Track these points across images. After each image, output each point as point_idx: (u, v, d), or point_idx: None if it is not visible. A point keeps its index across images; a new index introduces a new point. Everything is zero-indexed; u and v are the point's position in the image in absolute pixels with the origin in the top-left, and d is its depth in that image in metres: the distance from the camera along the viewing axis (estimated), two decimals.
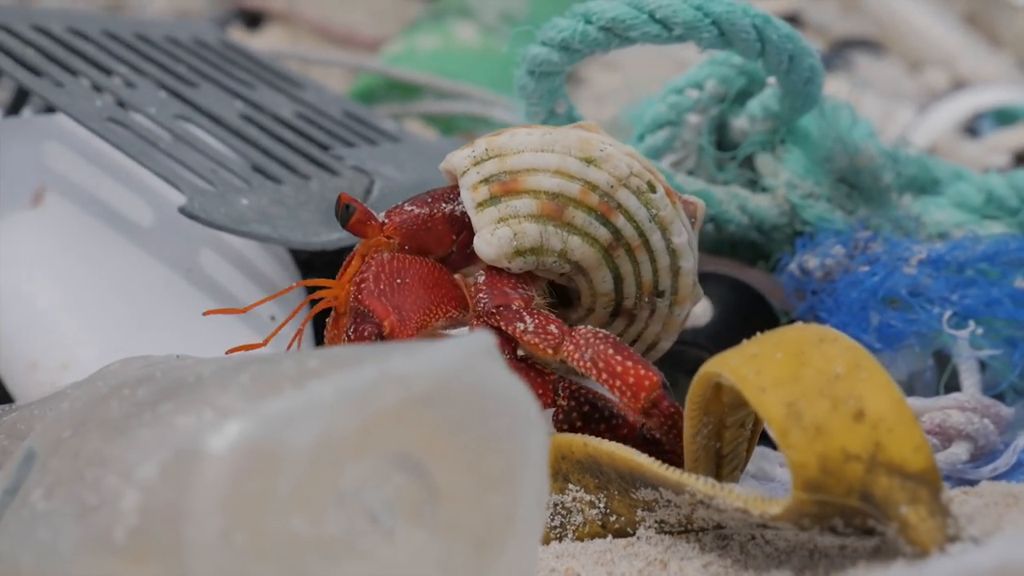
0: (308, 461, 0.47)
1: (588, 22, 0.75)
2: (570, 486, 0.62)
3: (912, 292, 0.75)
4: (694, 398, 0.57)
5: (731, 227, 0.79)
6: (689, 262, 0.67)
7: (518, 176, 0.65)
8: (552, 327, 0.61)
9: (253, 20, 1.70)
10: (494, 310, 0.62)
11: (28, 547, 0.50)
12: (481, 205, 0.65)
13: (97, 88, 0.84)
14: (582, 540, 0.62)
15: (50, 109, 0.89)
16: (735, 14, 0.73)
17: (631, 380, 0.60)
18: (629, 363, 0.60)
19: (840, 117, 0.83)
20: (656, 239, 0.66)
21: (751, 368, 0.54)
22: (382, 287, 0.63)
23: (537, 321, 0.61)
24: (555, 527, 0.63)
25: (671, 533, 0.61)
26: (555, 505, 0.62)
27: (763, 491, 0.56)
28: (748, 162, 0.84)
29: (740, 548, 0.59)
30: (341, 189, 0.88)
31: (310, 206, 0.83)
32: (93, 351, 0.79)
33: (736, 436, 0.61)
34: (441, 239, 0.67)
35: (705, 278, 0.73)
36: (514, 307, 0.62)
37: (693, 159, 0.83)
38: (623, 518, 0.61)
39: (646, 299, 0.67)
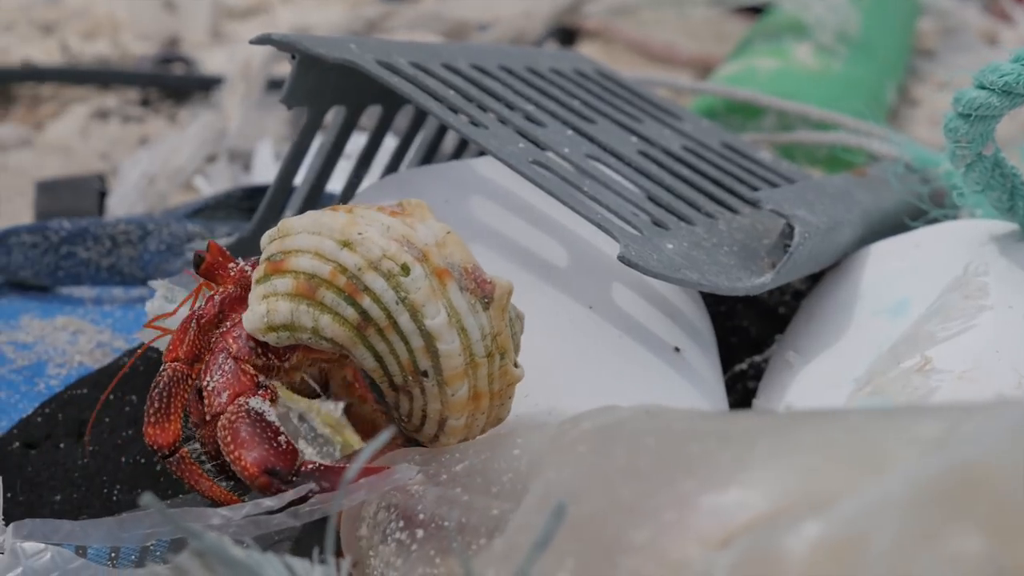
0: (887, 564, 0.44)
1: None
2: None
3: None
4: None
5: None
6: (450, 344, 0.65)
7: (287, 256, 0.66)
8: (224, 395, 0.65)
9: (568, 37, 1.69)
10: (211, 353, 0.66)
11: None
12: (257, 282, 0.67)
13: (504, 124, 0.83)
14: None
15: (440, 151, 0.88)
16: None
17: (240, 465, 0.63)
18: (239, 451, 0.63)
19: None
20: (404, 320, 0.65)
21: None
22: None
23: (224, 380, 0.65)
24: None
25: None
26: None
27: None
28: None
29: None
30: (745, 229, 0.85)
31: (723, 248, 0.81)
32: None
33: None
34: None
35: None
36: (220, 358, 0.66)
37: None
38: None
39: (410, 378, 0.66)
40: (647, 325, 0.80)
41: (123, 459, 0.79)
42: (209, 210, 1.07)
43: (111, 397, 0.81)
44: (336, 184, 0.93)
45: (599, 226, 0.75)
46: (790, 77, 1.37)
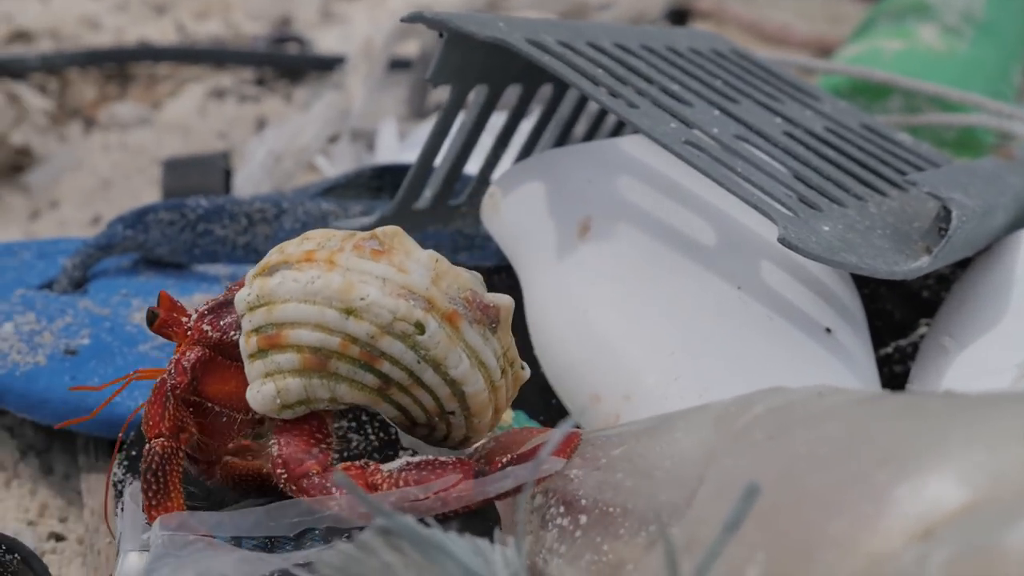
0: None
1: None
2: None
3: None
4: None
5: None
6: (475, 385, 0.65)
7: (282, 330, 0.63)
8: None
9: (680, 18, 1.68)
10: (295, 486, 0.63)
11: None
12: (252, 357, 0.64)
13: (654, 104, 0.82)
14: None
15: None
16: None
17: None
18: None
19: None
20: (429, 376, 0.64)
21: None
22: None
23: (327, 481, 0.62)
24: None
25: None
26: None
27: None
28: None
29: None
30: (895, 212, 0.83)
31: (876, 231, 0.79)
32: (652, 380, 0.77)
33: None
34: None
35: None
36: (312, 474, 0.62)
37: None
38: None
39: (436, 419, 0.66)
40: (797, 305, 0.79)
41: None
42: (339, 189, 1.07)
43: None
44: (472, 166, 0.93)
45: (756, 207, 0.74)
46: (916, 58, 1.34)
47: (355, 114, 1.24)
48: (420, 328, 0.63)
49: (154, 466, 0.64)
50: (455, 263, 0.95)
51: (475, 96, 0.88)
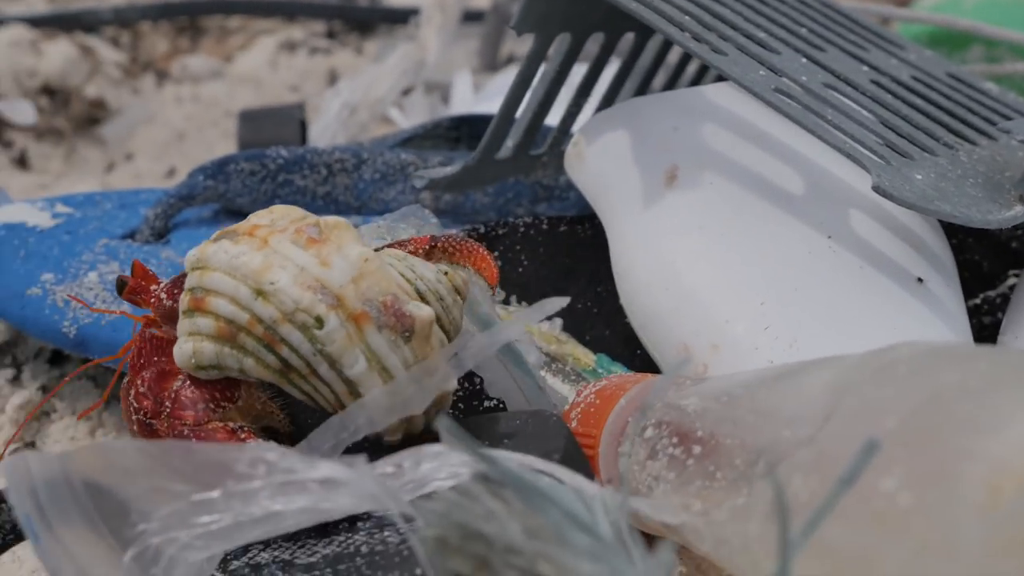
0: None
1: None
2: None
3: None
4: None
5: None
6: (371, 389, 0.64)
7: (207, 295, 0.65)
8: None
9: None
10: (167, 424, 0.66)
11: (886, 540, 0.47)
12: (183, 314, 0.66)
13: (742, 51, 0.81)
14: None
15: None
16: None
17: None
18: None
19: None
20: (324, 370, 0.64)
21: None
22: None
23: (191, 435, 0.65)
24: None
25: None
26: None
27: None
28: None
29: None
30: (986, 161, 0.82)
31: (968, 180, 0.78)
32: (741, 329, 0.76)
33: None
34: None
35: None
36: (185, 423, 0.66)
37: None
38: None
39: (341, 412, 0.65)
40: (888, 255, 0.78)
41: None
42: (417, 139, 1.07)
43: None
44: (553, 117, 0.92)
45: (849, 156, 0.73)
46: (997, 7, 1.32)
47: (429, 66, 1.24)
48: (319, 322, 0.64)
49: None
50: (534, 214, 0.95)
51: (557, 45, 0.87)
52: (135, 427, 0.68)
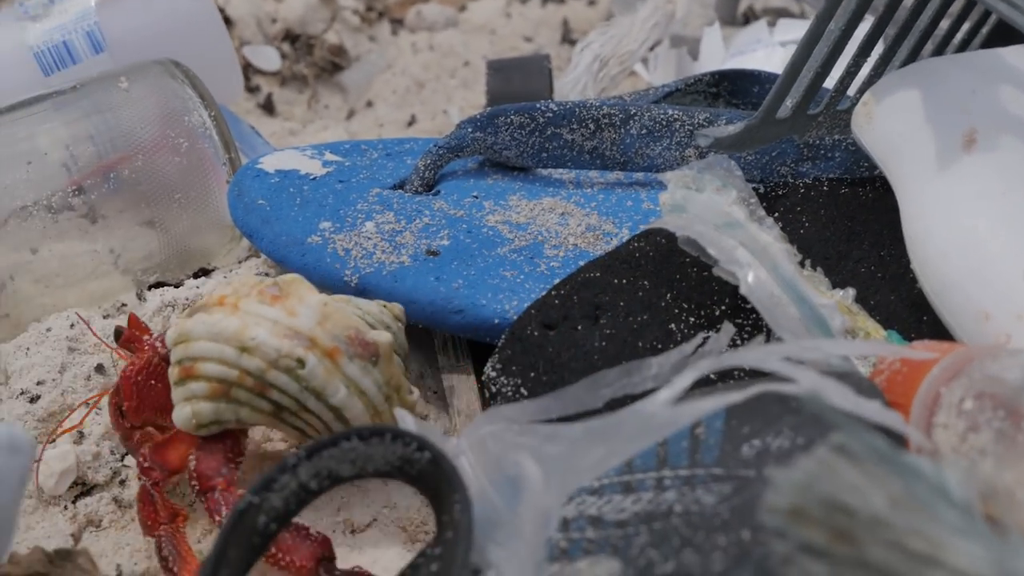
0: None
1: None
2: None
3: None
4: None
5: None
6: (354, 410, 0.75)
7: (195, 363, 0.74)
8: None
9: None
10: (203, 498, 0.74)
11: None
12: (175, 384, 0.76)
13: None
14: None
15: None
16: None
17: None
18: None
19: None
20: (312, 403, 0.74)
21: None
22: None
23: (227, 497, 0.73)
24: None
25: None
26: None
27: None
28: None
29: None
30: None
31: None
32: None
33: None
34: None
35: None
36: (216, 492, 0.73)
37: None
38: None
39: None
40: None
41: (639, 343, 0.79)
42: (677, 94, 1.06)
43: (623, 281, 0.82)
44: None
45: None
46: None
47: (678, 19, 1.23)
48: (301, 363, 0.74)
49: (164, 551, 0.73)
50: (798, 174, 0.94)
51: (845, 2, 0.85)
52: (138, 492, 0.76)
